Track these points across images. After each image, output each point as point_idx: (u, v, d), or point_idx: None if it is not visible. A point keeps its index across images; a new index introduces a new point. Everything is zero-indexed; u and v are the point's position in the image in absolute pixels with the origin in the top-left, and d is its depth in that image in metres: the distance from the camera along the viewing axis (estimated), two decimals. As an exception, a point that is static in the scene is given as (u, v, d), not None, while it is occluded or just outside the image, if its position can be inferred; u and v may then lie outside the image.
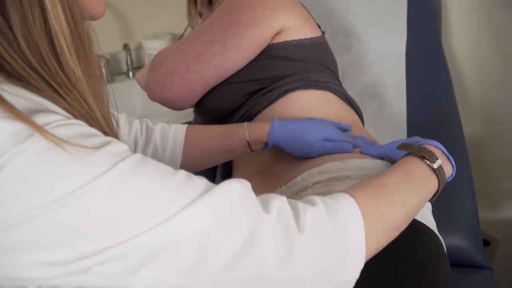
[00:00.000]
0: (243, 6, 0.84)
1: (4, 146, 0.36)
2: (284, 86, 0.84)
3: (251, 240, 0.42)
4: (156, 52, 0.90)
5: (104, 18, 0.51)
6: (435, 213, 0.73)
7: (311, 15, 0.93)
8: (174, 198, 0.41)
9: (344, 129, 0.80)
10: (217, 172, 1.04)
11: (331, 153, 0.73)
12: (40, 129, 0.37)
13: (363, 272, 0.48)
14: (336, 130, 0.77)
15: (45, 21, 0.40)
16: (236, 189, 0.44)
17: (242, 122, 0.80)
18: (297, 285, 0.45)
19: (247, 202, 0.44)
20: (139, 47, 1.63)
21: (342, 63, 1.16)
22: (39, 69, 0.41)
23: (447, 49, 1.27)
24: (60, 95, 0.43)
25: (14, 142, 0.36)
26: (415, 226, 0.63)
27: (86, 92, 0.45)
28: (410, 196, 0.54)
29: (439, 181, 0.59)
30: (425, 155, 0.59)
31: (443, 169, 0.60)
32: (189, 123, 0.89)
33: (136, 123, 0.80)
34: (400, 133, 1.17)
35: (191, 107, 0.92)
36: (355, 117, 0.89)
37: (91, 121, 0.45)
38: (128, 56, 1.56)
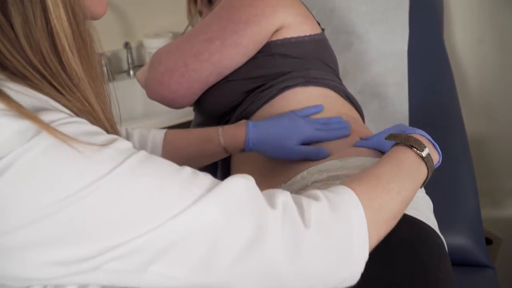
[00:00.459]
0: (242, 4, 0.83)
1: (11, 144, 0.36)
2: (283, 83, 0.84)
3: (259, 234, 0.43)
4: (156, 51, 0.90)
5: (105, 16, 0.50)
6: (437, 211, 0.73)
7: (311, 13, 0.93)
8: (182, 195, 0.41)
9: (313, 113, 0.80)
10: (218, 170, 1.04)
11: (308, 159, 0.73)
12: (47, 127, 0.37)
13: (364, 272, 0.49)
14: (311, 127, 0.77)
15: (47, 21, 0.40)
16: (242, 184, 0.44)
17: (241, 120, 0.80)
18: (306, 279, 0.45)
19: (253, 197, 0.45)
20: (140, 46, 1.63)
21: (343, 61, 1.15)
22: (41, 69, 0.41)
23: (449, 48, 1.27)
24: (62, 95, 0.43)
25: (21, 140, 0.36)
26: (416, 226, 0.63)
27: (88, 92, 0.45)
28: (404, 185, 0.55)
29: (428, 168, 0.60)
30: (413, 144, 0.60)
31: (431, 157, 0.61)
32: (189, 122, 0.89)
33: None
34: (401, 132, 1.17)
35: (190, 105, 0.91)
36: (355, 114, 0.89)
37: (94, 121, 0.45)
38: (129, 55, 1.55)
